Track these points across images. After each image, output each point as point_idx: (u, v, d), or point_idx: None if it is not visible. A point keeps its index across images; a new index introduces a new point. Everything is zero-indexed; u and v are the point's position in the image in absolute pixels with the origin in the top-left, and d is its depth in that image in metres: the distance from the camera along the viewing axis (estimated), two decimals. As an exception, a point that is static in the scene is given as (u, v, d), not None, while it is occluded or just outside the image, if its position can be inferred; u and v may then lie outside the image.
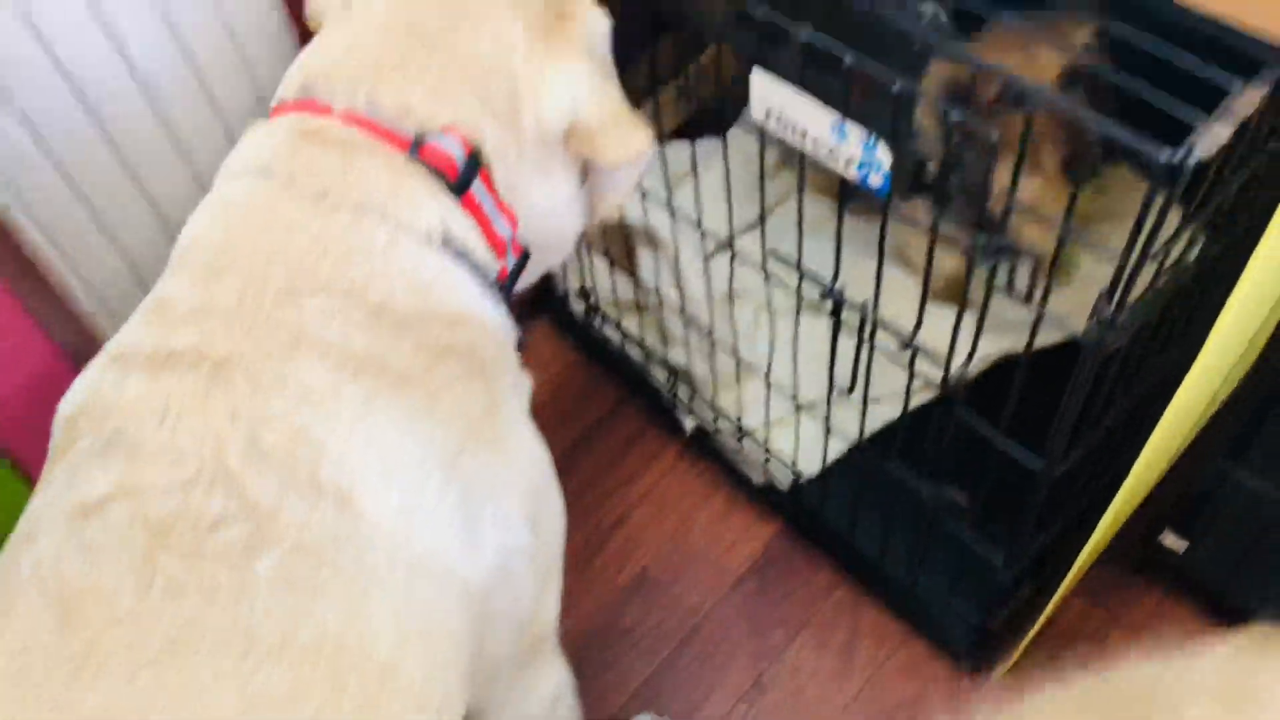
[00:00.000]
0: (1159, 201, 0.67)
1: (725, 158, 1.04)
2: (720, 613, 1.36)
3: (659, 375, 1.44)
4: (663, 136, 1.40)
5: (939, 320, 0.93)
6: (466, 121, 0.78)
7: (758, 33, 0.85)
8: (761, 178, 0.97)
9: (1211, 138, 0.64)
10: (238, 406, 0.67)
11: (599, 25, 0.88)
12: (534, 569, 0.83)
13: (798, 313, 1.08)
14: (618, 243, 1.42)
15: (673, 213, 1.18)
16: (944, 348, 0.92)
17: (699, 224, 1.13)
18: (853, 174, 0.85)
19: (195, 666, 0.61)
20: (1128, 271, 0.72)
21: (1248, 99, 0.65)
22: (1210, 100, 0.67)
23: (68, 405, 0.72)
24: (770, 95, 0.86)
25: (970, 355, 0.91)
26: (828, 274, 0.98)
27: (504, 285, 0.84)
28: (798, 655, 1.32)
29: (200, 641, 0.61)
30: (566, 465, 1.48)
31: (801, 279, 1.01)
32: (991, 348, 1.31)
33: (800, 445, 1.27)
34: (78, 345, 1.07)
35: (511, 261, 0.85)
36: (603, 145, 0.84)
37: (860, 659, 1.31)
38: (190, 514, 0.64)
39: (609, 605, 1.37)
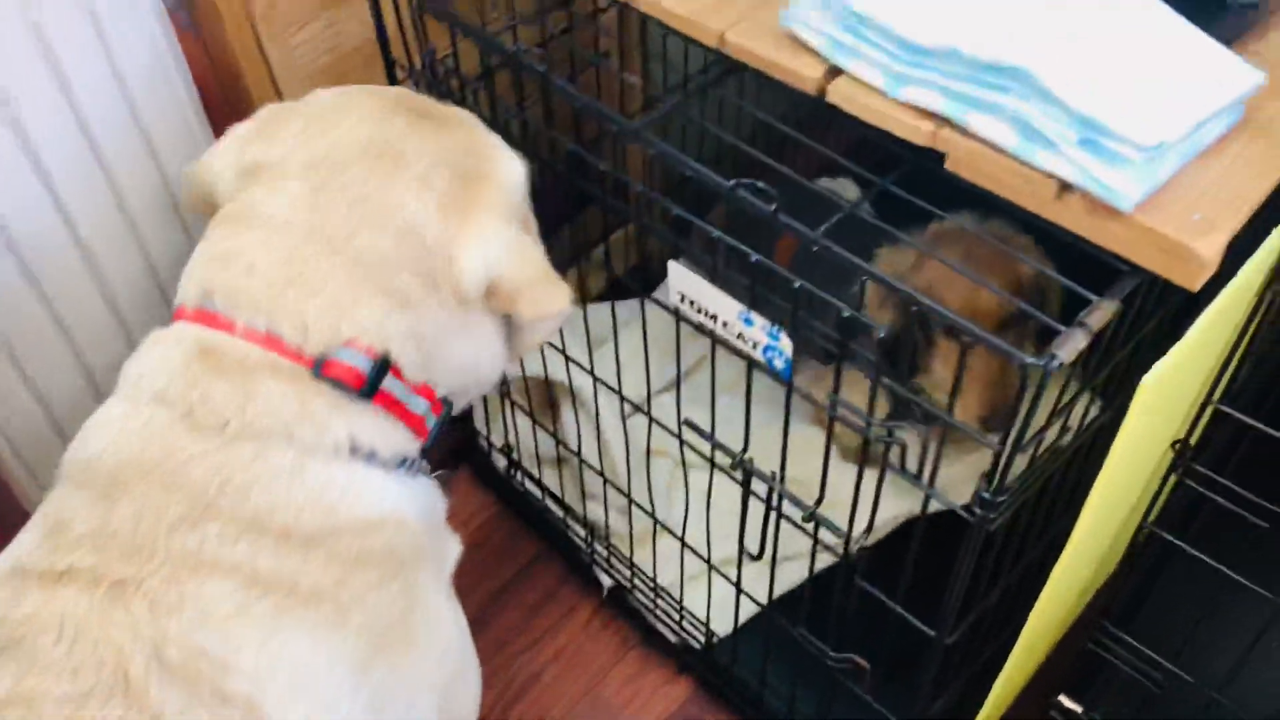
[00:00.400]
0: (1029, 398, 0.74)
1: (644, 323, 1.09)
2: (632, 773, 1.36)
3: (578, 531, 1.47)
4: (586, 300, 1.47)
5: (845, 476, 0.99)
6: (370, 328, 0.78)
7: (674, 224, 0.92)
8: (678, 354, 1.03)
9: (1071, 345, 0.71)
10: (139, 626, 0.68)
11: (514, 176, 0.89)
12: None
13: (710, 478, 1.13)
14: (540, 399, 1.47)
15: (595, 378, 1.24)
16: (847, 510, 0.98)
17: (619, 386, 1.19)
18: (759, 357, 0.91)
19: None
20: (1004, 458, 0.79)
21: (1103, 312, 0.73)
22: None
23: None
24: (685, 283, 0.93)
25: (870, 524, 0.96)
26: (739, 438, 1.03)
27: (425, 446, 0.86)
28: (708, 817, 1.32)
29: None
30: (482, 619, 1.49)
31: (715, 449, 1.06)
32: (893, 512, 1.37)
33: (713, 604, 1.31)
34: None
35: (433, 422, 0.86)
36: (523, 304, 0.85)
37: (769, 821, 1.31)
38: None
39: (521, 765, 1.36)
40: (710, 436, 1.05)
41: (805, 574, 1.10)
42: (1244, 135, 0.78)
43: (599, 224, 1.62)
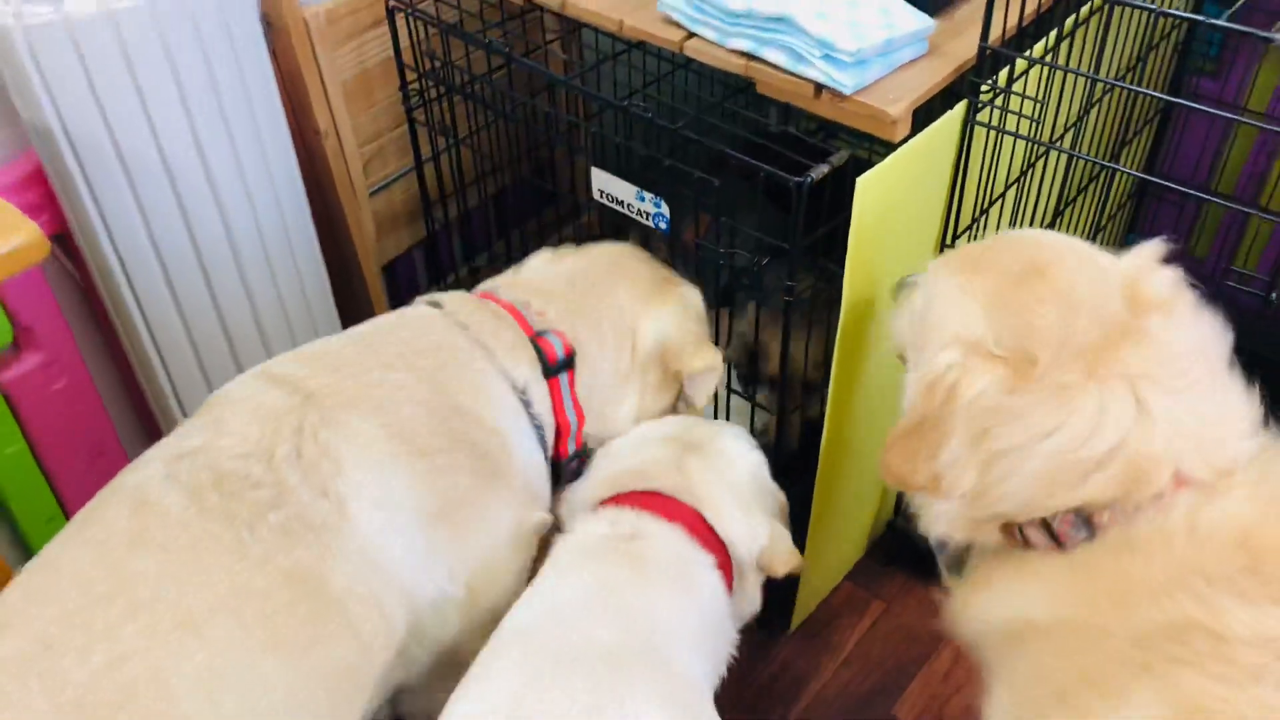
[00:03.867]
0: (799, 209, 1.23)
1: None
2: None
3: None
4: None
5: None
6: (573, 332, 1.24)
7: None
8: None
9: (817, 171, 1.21)
10: (302, 427, 1.03)
11: (692, 295, 1.40)
12: (460, 616, 1.14)
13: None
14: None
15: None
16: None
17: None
18: (651, 222, 1.40)
19: (206, 558, 0.95)
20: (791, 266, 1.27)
21: (839, 154, 1.23)
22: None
23: (213, 393, 1.09)
24: (601, 181, 1.42)
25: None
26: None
27: (556, 460, 1.25)
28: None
29: (213, 545, 0.95)
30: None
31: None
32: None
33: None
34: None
35: (570, 449, 1.26)
36: (684, 359, 1.33)
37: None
38: (241, 473, 0.99)
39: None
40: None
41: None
42: (929, 59, 1.29)
43: (556, 216, 2.11)
